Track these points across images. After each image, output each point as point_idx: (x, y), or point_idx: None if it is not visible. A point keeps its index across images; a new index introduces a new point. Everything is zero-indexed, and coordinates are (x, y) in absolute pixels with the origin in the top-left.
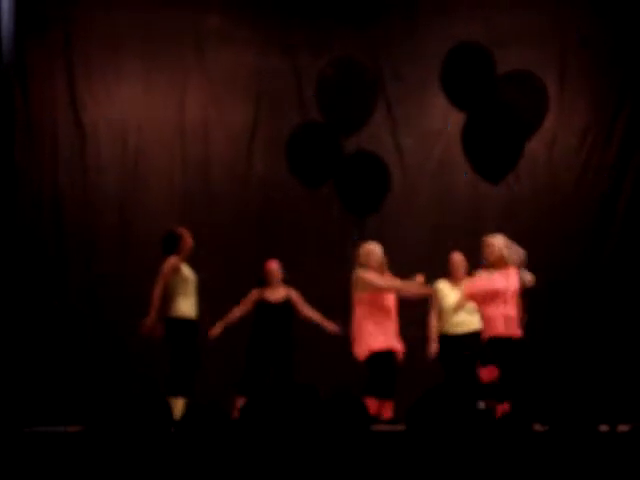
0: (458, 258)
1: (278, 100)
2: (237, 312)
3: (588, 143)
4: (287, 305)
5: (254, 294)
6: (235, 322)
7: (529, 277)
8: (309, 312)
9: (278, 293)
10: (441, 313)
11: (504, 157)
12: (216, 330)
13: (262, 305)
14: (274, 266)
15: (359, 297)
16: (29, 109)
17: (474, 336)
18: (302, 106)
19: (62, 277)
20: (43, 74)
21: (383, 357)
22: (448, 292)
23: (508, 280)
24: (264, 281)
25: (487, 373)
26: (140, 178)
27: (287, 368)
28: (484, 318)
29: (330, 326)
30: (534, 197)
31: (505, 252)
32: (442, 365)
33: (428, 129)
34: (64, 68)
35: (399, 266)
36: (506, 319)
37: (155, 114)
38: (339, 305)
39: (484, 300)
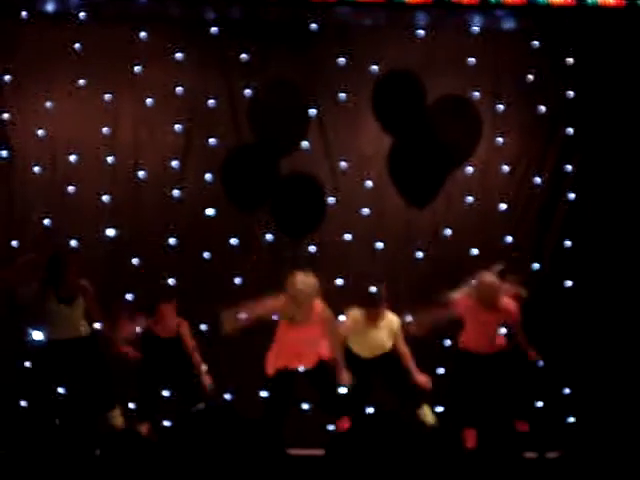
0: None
1: (211, 121)
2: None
3: (520, 170)
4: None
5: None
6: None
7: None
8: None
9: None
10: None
11: (431, 183)
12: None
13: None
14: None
15: None
16: None
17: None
18: (236, 127)
19: None
20: None
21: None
22: (362, 328)
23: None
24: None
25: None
26: (69, 197)
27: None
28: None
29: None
30: (466, 222)
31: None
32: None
33: (362, 152)
34: None
35: (336, 288)
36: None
37: (86, 133)
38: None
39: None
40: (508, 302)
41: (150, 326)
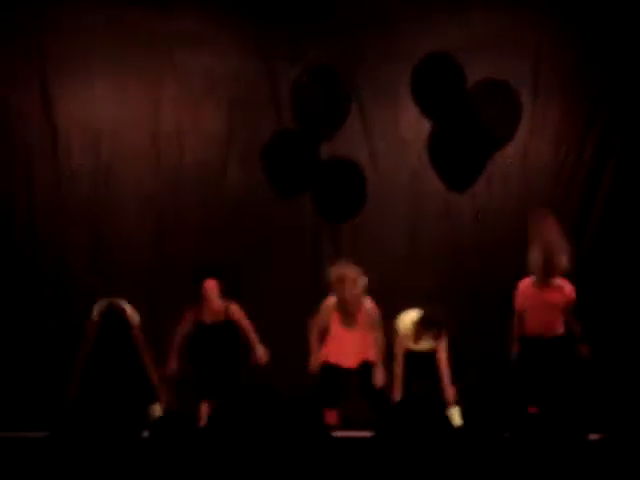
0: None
1: (253, 107)
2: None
3: (561, 153)
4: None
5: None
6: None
7: None
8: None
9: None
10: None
11: (472, 167)
12: (172, 366)
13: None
14: (211, 284)
15: None
16: (1, 115)
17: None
18: (278, 113)
19: (33, 285)
20: (15, 79)
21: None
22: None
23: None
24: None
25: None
26: (112, 184)
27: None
28: None
29: (259, 352)
30: (507, 205)
31: None
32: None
33: (402, 136)
34: (37, 73)
35: (374, 273)
36: None
37: (129, 119)
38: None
39: None
40: (565, 282)
41: (197, 314)
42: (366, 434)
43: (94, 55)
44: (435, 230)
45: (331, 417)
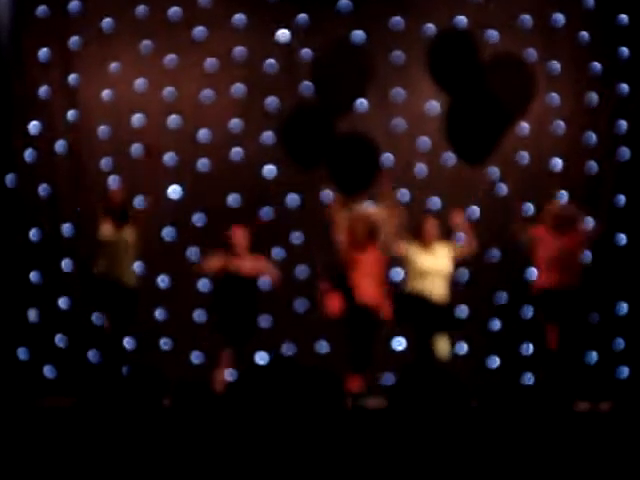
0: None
1: (271, 82)
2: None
3: (575, 127)
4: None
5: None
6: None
7: None
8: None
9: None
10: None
11: (488, 142)
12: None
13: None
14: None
15: None
16: (25, 90)
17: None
18: (295, 88)
19: (56, 260)
20: (39, 55)
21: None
22: (417, 256)
23: None
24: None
25: None
26: (133, 157)
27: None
28: None
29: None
30: (521, 179)
31: None
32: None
33: (419, 111)
34: (59, 49)
35: None
36: None
37: (149, 94)
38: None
39: None
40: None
41: (228, 264)
42: (379, 404)
43: (116, 31)
44: (449, 205)
45: (354, 383)
